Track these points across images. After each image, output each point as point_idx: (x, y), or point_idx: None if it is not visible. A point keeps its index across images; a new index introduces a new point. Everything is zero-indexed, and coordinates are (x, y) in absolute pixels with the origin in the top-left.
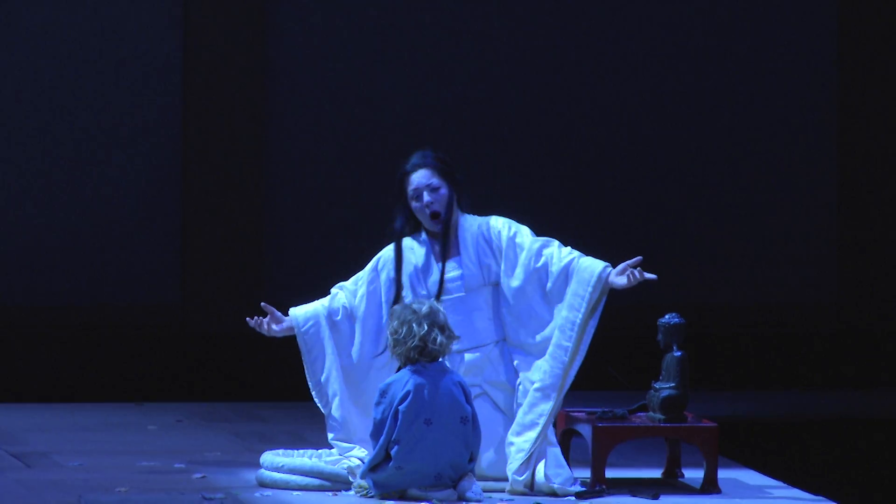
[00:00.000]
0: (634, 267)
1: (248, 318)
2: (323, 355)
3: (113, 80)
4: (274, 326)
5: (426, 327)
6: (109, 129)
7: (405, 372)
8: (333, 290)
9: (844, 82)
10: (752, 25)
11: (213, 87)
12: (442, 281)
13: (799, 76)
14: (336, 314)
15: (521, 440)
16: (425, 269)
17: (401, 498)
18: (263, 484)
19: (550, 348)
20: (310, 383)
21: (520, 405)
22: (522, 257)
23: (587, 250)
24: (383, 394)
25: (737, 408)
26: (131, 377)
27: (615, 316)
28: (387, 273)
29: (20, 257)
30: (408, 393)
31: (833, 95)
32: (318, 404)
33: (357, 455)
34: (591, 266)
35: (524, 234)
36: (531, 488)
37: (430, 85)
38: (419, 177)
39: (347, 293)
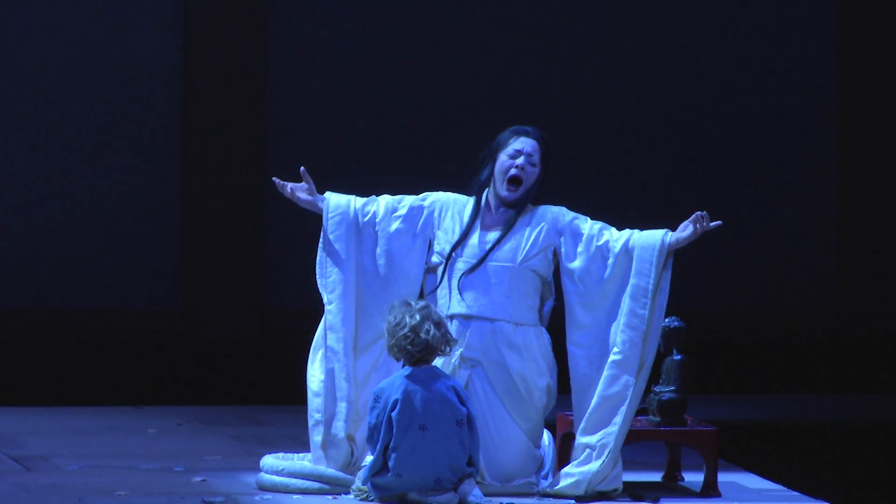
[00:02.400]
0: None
1: (274, 178)
2: (343, 249)
3: (112, 84)
4: (300, 194)
5: (418, 318)
6: (109, 134)
7: (398, 377)
8: (375, 197)
9: (844, 83)
10: (752, 25)
11: (214, 91)
12: (492, 249)
13: (799, 77)
14: (364, 215)
15: (617, 418)
16: (465, 231)
17: (401, 502)
18: (263, 487)
19: (624, 318)
20: (318, 270)
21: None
22: (584, 239)
23: None
24: (377, 398)
25: (736, 411)
26: (131, 382)
27: None
28: (444, 215)
29: (21, 261)
30: (396, 401)
31: (833, 96)
32: (322, 291)
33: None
34: (653, 233)
35: (583, 218)
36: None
37: (430, 85)
38: (527, 143)
39: (386, 207)
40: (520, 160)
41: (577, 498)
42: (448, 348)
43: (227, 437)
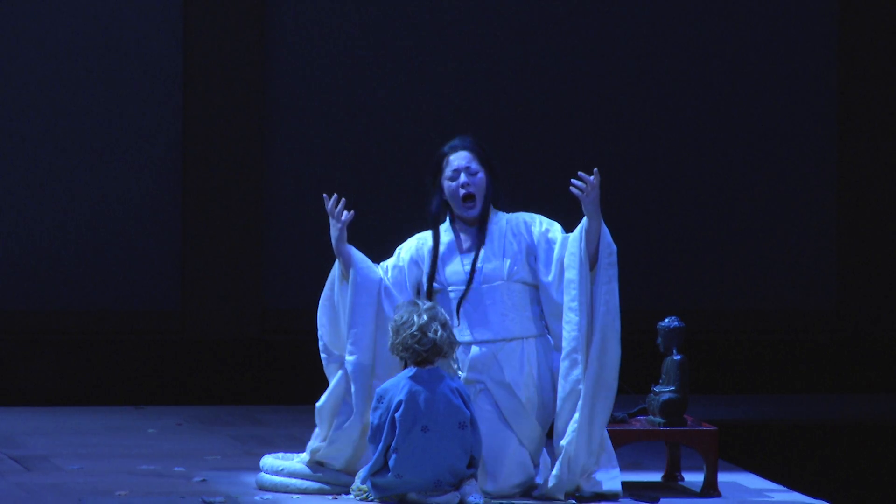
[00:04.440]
0: (581, 188)
1: (324, 195)
2: (369, 302)
3: (113, 84)
4: (343, 232)
5: (426, 318)
6: (109, 134)
7: (402, 378)
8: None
9: (844, 82)
10: (752, 26)
11: (214, 91)
12: (473, 270)
13: (799, 76)
14: (380, 273)
15: (575, 415)
16: (446, 258)
17: (400, 502)
18: (263, 487)
19: (564, 315)
20: (329, 324)
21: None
22: (556, 252)
23: None
24: (380, 399)
25: (736, 411)
26: (131, 382)
27: None
28: (413, 255)
29: (21, 262)
30: (400, 402)
31: (833, 96)
32: (330, 347)
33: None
34: (579, 225)
35: (556, 229)
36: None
37: (430, 86)
38: (458, 158)
39: (383, 270)
40: (462, 178)
41: (577, 498)
42: (451, 351)
43: (227, 437)
